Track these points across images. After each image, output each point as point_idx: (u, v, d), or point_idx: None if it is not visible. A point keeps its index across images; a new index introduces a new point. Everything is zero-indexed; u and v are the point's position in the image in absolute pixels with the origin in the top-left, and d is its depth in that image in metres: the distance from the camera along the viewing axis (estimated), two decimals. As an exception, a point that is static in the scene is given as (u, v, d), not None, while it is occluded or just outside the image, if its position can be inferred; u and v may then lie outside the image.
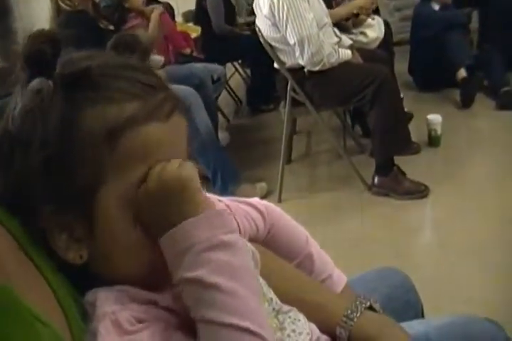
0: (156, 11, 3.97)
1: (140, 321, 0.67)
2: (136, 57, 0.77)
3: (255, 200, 1.01)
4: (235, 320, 0.63)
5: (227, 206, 0.96)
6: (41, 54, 0.69)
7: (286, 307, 0.86)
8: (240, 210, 0.97)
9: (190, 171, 0.70)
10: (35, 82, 0.68)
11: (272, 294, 0.86)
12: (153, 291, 0.71)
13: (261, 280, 0.85)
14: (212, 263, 0.65)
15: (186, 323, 0.68)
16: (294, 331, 0.82)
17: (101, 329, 0.64)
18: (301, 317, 0.86)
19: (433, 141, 3.71)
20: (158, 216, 0.69)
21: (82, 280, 0.71)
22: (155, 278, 0.71)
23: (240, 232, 0.93)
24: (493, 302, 2.05)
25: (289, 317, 0.85)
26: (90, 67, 0.68)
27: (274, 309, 0.84)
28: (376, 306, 0.92)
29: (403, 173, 3.19)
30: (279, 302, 0.86)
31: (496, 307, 1.97)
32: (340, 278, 1.04)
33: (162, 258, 0.69)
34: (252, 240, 0.93)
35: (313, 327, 0.87)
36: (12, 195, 0.68)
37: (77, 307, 0.68)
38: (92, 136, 0.66)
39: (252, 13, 3.54)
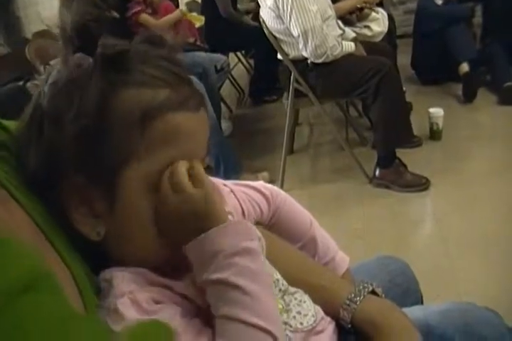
0: (178, 12, 4.01)
1: (157, 302, 0.69)
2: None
3: (260, 184, 1.03)
4: (254, 320, 0.66)
5: (232, 190, 0.97)
6: (87, 30, 0.72)
7: (292, 289, 0.88)
8: (244, 194, 0.99)
9: (209, 188, 0.72)
10: (78, 57, 0.71)
11: (278, 275, 0.88)
12: (166, 277, 0.73)
13: (267, 262, 0.87)
14: (237, 266, 0.69)
15: (200, 311, 0.71)
16: (299, 313, 0.84)
17: (119, 305, 0.66)
18: (307, 298, 0.88)
19: (434, 134, 3.72)
20: (180, 228, 0.71)
21: (95, 259, 0.73)
22: (169, 265, 0.73)
23: (244, 216, 0.95)
24: (493, 295, 2.06)
25: (295, 298, 0.87)
26: (129, 51, 0.71)
27: (280, 290, 0.86)
28: (378, 291, 0.94)
29: (404, 166, 3.21)
30: (285, 283, 0.88)
31: (495, 300, 1.97)
32: (342, 261, 1.06)
33: (178, 248, 0.72)
34: (256, 223, 0.95)
35: (318, 308, 0.89)
36: (40, 167, 0.70)
37: (90, 283, 0.69)
38: (126, 115, 0.69)
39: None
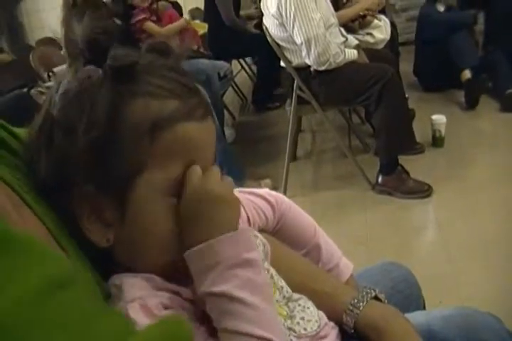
0: (182, 20, 4.05)
1: (167, 308, 0.69)
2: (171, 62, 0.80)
3: (265, 191, 1.04)
4: (259, 332, 0.67)
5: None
6: (97, 43, 0.73)
7: (296, 295, 0.89)
8: (250, 202, 0.99)
9: (230, 188, 0.74)
10: (87, 69, 0.72)
11: (282, 282, 0.89)
12: (175, 283, 0.74)
13: (271, 269, 0.88)
14: (237, 279, 0.69)
15: (209, 317, 0.71)
16: (302, 319, 0.85)
17: (129, 310, 0.67)
18: (310, 304, 0.89)
19: (437, 141, 3.73)
20: (190, 228, 0.72)
21: (104, 265, 0.74)
22: (177, 271, 0.73)
23: (249, 223, 0.96)
24: (495, 300, 2.07)
25: (299, 304, 0.88)
26: (137, 63, 0.72)
27: (284, 297, 0.87)
28: (381, 296, 0.95)
29: (407, 173, 3.21)
30: (289, 290, 0.89)
31: (497, 305, 1.98)
32: (346, 267, 1.07)
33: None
34: (261, 230, 0.96)
35: (322, 314, 0.90)
36: (50, 175, 0.71)
37: (100, 289, 0.70)
38: (135, 126, 0.70)
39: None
